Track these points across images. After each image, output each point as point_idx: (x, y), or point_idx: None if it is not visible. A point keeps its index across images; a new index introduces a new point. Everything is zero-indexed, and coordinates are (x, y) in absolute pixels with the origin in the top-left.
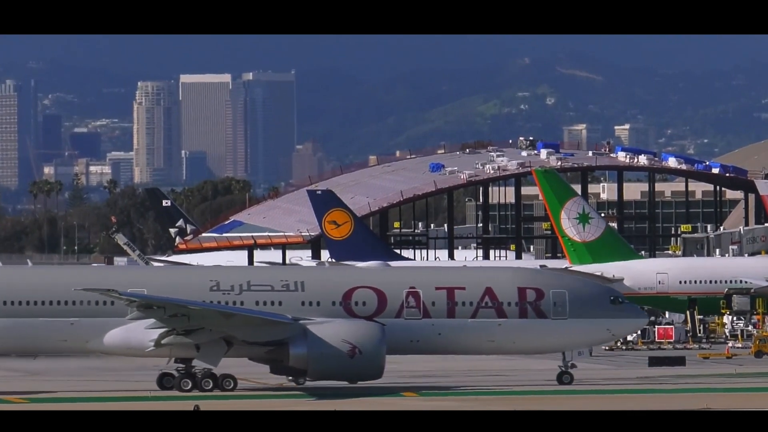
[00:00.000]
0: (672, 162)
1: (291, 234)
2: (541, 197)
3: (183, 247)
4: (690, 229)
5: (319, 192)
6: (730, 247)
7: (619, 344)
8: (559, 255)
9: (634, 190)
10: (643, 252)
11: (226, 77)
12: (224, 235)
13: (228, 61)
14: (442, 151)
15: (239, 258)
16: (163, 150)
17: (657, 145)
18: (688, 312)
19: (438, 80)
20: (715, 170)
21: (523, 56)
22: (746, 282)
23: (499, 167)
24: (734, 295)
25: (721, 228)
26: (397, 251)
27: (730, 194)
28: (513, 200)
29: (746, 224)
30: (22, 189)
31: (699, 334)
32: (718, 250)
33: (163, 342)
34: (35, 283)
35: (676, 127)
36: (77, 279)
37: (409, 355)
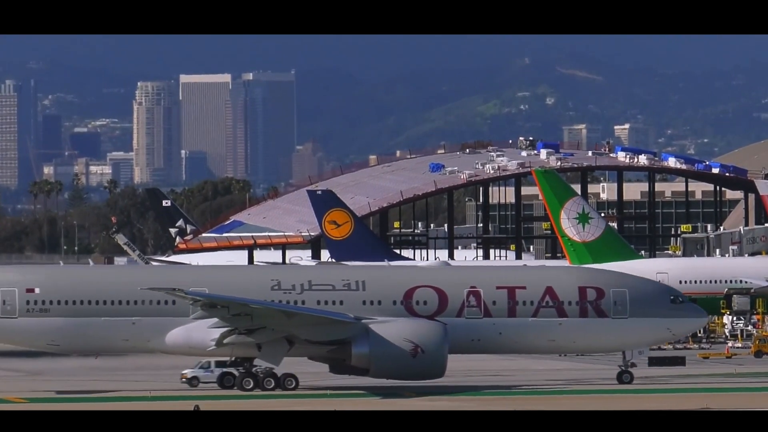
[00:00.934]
0: (672, 162)
1: (291, 234)
2: (541, 197)
3: (183, 247)
4: (690, 229)
5: (319, 192)
6: (730, 247)
7: None
8: (559, 255)
9: (634, 190)
10: (643, 252)
11: (226, 77)
12: (224, 235)
13: (228, 61)
14: (442, 151)
15: (239, 258)
16: (163, 150)
17: (657, 145)
18: None
19: (438, 80)
20: (715, 170)
21: (523, 56)
22: (746, 282)
23: (499, 167)
24: (734, 295)
25: (721, 228)
26: (397, 251)
27: (730, 194)
28: (513, 200)
29: (746, 224)
30: (22, 189)
31: (699, 334)
32: (718, 250)
33: (225, 341)
34: (97, 283)
35: (676, 127)
36: (139, 278)
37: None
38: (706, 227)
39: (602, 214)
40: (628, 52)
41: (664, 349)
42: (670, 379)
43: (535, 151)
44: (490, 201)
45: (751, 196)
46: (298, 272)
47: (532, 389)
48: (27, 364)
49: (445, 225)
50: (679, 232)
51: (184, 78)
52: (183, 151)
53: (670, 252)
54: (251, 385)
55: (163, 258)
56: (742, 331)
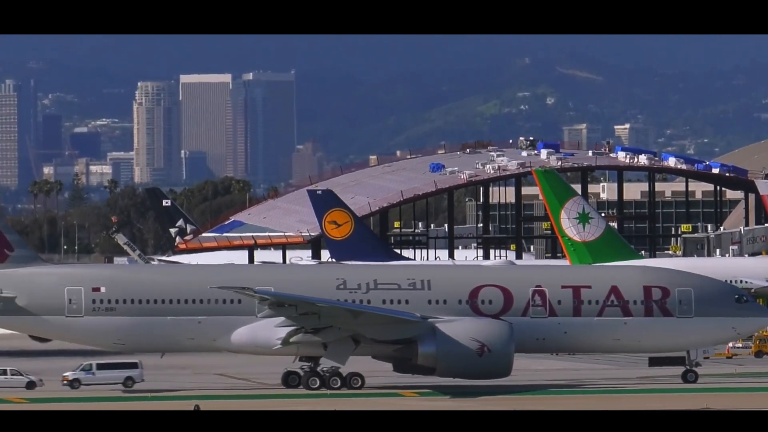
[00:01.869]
0: (672, 162)
1: (291, 234)
2: (541, 197)
3: (183, 246)
4: (690, 229)
5: (319, 192)
6: (730, 247)
7: None
8: (559, 255)
9: (634, 190)
10: (643, 252)
11: (226, 77)
12: (224, 235)
13: (228, 61)
14: (442, 151)
15: (239, 258)
16: (163, 150)
17: (657, 145)
18: None
19: (438, 80)
20: (715, 170)
21: (523, 56)
22: (746, 282)
23: (499, 167)
24: None
25: (721, 228)
26: (397, 251)
27: (730, 194)
28: (513, 200)
29: (746, 224)
30: (22, 189)
31: None
32: (718, 250)
33: (291, 340)
34: (163, 282)
35: (676, 127)
36: (206, 277)
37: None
38: (706, 227)
39: (602, 214)
40: (628, 52)
41: None
42: (670, 379)
43: (536, 151)
44: (490, 201)
45: (751, 196)
46: (363, 271)
47: (532, 389)
48: (26, 364)
49: (446, 225)
50: (679, 232)
51: (184, 78)
52: (183, 151)
53: (670, 252)
54: (317, 384)
55: (164, 258)
56: None
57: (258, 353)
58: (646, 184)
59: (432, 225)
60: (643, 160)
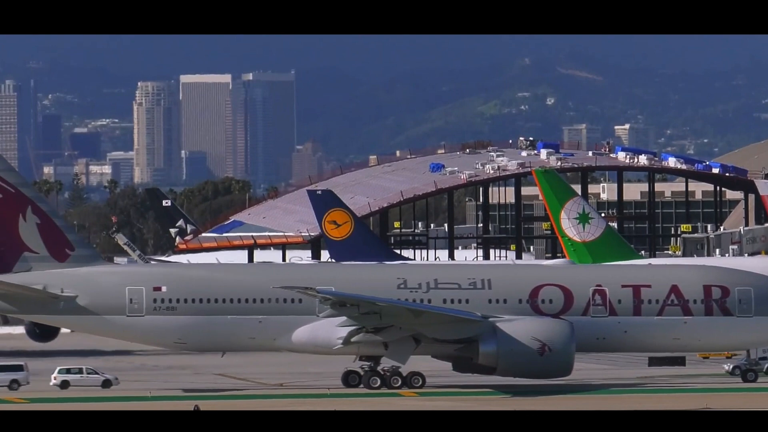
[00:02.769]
0: (672, 162)
1: (291, 234)
2: (541, 197)
3: (183, 247)
4: (690, 229)
5: (319, 192)
6: (730, 247)
7: None
8: (559, 255)
9: (634, 190)
10: (643, 252)
11: (226, 77)
12: (224, 235)
13: (228, 61)
14: (442, 151)
15: (239, 258)
16: (163, 150)
17: (657, 145)
18: None
19: (438, 80)
20: (715, 170)
21: (523, 56)
22: None
23: (499, 167)
24: None
25: (721, 228)
26: (397, 251)
27: (730, 194)
28: (513, 200)
29: (746, 224)
30: None
31: None
32: (718, 250)
33: (352, 340)
34: (224, 281)
35: (676, 127)
36: (266, 277)
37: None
38: (706, 227)
39: (602, 214)
40: (628, 52)
41: None
42: (670, 379)
43: (535, 151)
44: (490, 201)
45: (751, 196)
46: (424, 271)
47: (532, 389)
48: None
49: (445, 225)
50: (679, 232)
51: (184, 78)
52: (183, 151)
53: (670, 252)
54: (378, 384)
55: (164, 258)
56: None
57: (318, 353)
58: (646, 185)
59: (432, 225)
60: (643, 160)
